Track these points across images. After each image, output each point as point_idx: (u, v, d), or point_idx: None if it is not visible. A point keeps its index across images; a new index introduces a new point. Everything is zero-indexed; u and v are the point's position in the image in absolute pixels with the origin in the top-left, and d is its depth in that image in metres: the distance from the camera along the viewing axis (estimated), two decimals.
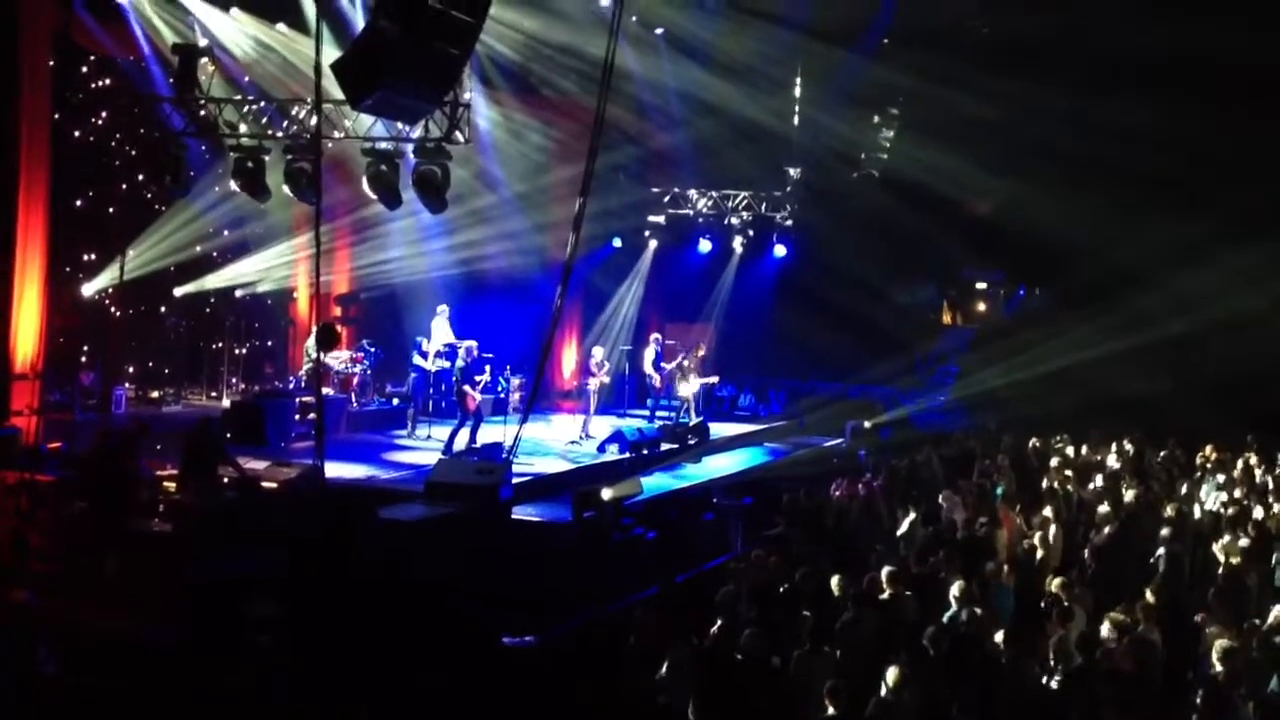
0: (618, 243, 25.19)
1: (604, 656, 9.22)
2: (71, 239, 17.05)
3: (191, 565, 10.89)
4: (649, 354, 21.49)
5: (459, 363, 17.42)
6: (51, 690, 7.32)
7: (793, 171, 25.93)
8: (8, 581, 9.31)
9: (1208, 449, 17.64)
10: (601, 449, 18.37)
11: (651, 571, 12.66)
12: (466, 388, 17.02)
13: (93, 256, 18.35)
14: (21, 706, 7.10)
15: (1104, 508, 13.42)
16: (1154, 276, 22.83)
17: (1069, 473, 16.17)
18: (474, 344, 17.78)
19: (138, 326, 19.75)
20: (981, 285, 31.85)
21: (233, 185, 17.36)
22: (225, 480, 12.73)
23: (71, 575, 10.96)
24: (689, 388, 21.01)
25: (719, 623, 9.04)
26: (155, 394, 19.49)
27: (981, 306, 32.18)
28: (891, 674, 7.69)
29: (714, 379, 22.18)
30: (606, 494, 14.03)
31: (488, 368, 18.60)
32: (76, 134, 17.75)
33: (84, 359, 18.45)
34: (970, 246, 27.27)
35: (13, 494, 11.90)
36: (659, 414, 21.82)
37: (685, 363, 21.35)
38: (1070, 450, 18.34)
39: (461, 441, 16.76)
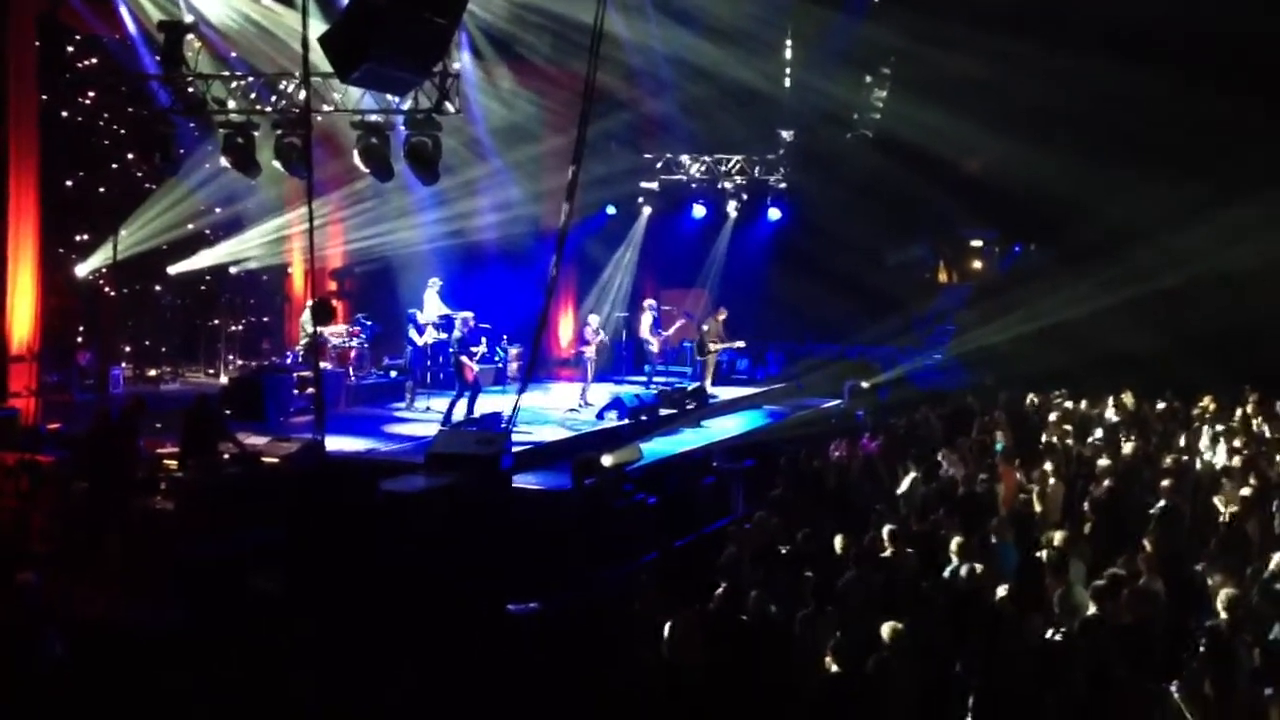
0: (611, 210, 25.15)
1: (608, 622, 9.26)
2: (63, 220, 17.00)
3: (193, 542, 10.91)
4: (646, 320, 21.50)
5: (455, 334, 17.42)
6: (57, 671, 7.34)
7: (785, 134, 25.84)
8: (11, 563, 9.31)
9: (1205, 400, 17.71)
10: (600, 416, 18.39)
11: (653, 537, 12.73)
12: (464, 359, 17.02)
13: (85, 237, 18.30)
14: (29, 688, 7.12)
15: (1103, 461, 13.48)
16: (1147, 233, 22.84)
17: (1068, 427, 16.23)
18: (470, 315, 17.77)
19: (133, 306, 19.73)
20: (976, 243, 31.82)
21: (223, 162, 17.29)
22: (226, 457, 12.74)
23: (74, 555, 11.00)
24: (710, 349, 21.15)
25: (722, 586, 9.08)
26: (153, 372, 19.51)
27: (977, 264, 32.17)
28: (885, 630, 7.73)
29: (740, 343, 22.21)
30: (606, 461, 14.05)
31: (484, 339, 18.59)
32: (64, 114, 17.65)
33: (80, 339, 18.43)
34: (964, 205, 27.21)
35: (13, 475, 11.91)
36: (656, 379, 21.84)
37: (706, 328, 21.46)
38: (1069, 405, 18.39)
39: (460, 412, 16.77)
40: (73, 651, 7.64)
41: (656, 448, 16.41)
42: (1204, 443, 15.33)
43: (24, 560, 9.92)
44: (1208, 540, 10.89)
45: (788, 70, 25.32)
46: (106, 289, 18.79)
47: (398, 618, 9.26)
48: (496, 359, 20.80)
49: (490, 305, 21.27)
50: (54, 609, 8.21)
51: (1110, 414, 17.71)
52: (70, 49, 17.69)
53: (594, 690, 7.85)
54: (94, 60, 18.18)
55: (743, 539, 10.84)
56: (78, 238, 18.22)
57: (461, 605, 9.65)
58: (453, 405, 16.90)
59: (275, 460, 13.20)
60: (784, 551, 10.51)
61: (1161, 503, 11.57)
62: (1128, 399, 18.35)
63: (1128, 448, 14.50)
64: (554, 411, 18.97)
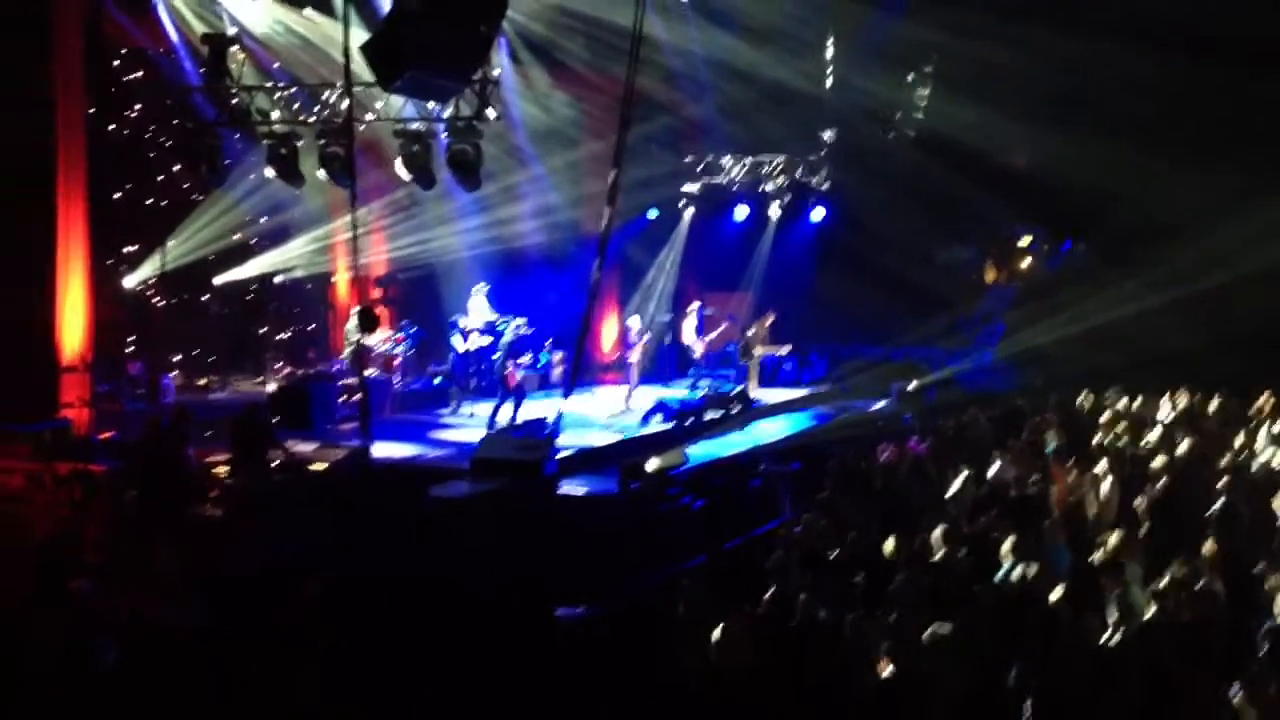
0: (653, 213, 25.11)
1: (655, 626, 9.20)
2: (112, 232, 17.16)
3: (243, 550, 10.97)
4: (689, 323, 21.45)
5: (505, 339, 17.40)
6: (110, 678, 7.38)
7: (827, 134, 25.71)
8: (65, 571, 9.39)
9: (1262, 398, 17.39)
10: (645, 420, 18.34)
11: (700, 540, 12.64)
12: (510, 364, 17.02)
13: (134, 248, 18.50)
14: (82, 696, 7.16)
15: (1158, 461, 13.26)
16: (1199, 228, 22.49)
17: (1121, 427, 16.00)
18: (522, 321, 17.78)
19: (181, 315, 19.90)
20: (1024, 242, 31.49)
21: (268, 172, 17.43)
22: (274, 464, 12.81)
23: (126, 564, 11.08)
24: (754, 354, 21.10)
25: (771, 589, 9.00)
26: (201, 381, 19.66)
27: (1025, 263, 31.83)
28: (935, 633, 7.63)
29: (786, 348, 22.13)
30: (652, 464, 14.01)
31: (529, 351, 18.62)
32: (111, 127, 17.85)
33: (130, 349, 18.62)
34: (1011, 202, 26.92)
35: (67, 485, 12.04)
36: (701, 383, 21.77)
37: (752, 331, 21.40)
38: (1121, 404, 18.14)
39: (504, 419, 16.78)
40: (125, 659, 7.68)
41: (702, 451, 16.34)
42: (1261, 442, 15.05)
43: (78, 569, 10.00)
44: (1267, 541, 10.67)
45: (828, 69, 25.18)
46: (155, 299, 18.98)
47: (444, 623, 9.25)
48: (540, 364, 20.80)
49: (533, 310, 21.26)
50: (107, 616, 8.26)
51: (1164, 413, 17.43)
52: (116, 63, 17.88)
53: (642, 694, 7.79)
54: (139, 73, 18.40)
55: (791, 542, 10.74)
56: (126, 249, 18.41)
57: (508, 611, 9.62)
58: (496, 411, 16.91)
59: (323, 467, 13.27)
60: (832, 555, 10.42)
61: (1220, 503, 11.36)
62: (1182, 398, 18.06)
63: (1183, 447, 14.26)
64: (598, 416, 18.95)
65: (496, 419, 16.79)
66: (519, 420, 16.69)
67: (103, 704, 7.12)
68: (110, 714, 7.08)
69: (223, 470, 12.94)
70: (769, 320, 21.70)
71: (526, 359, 17.91)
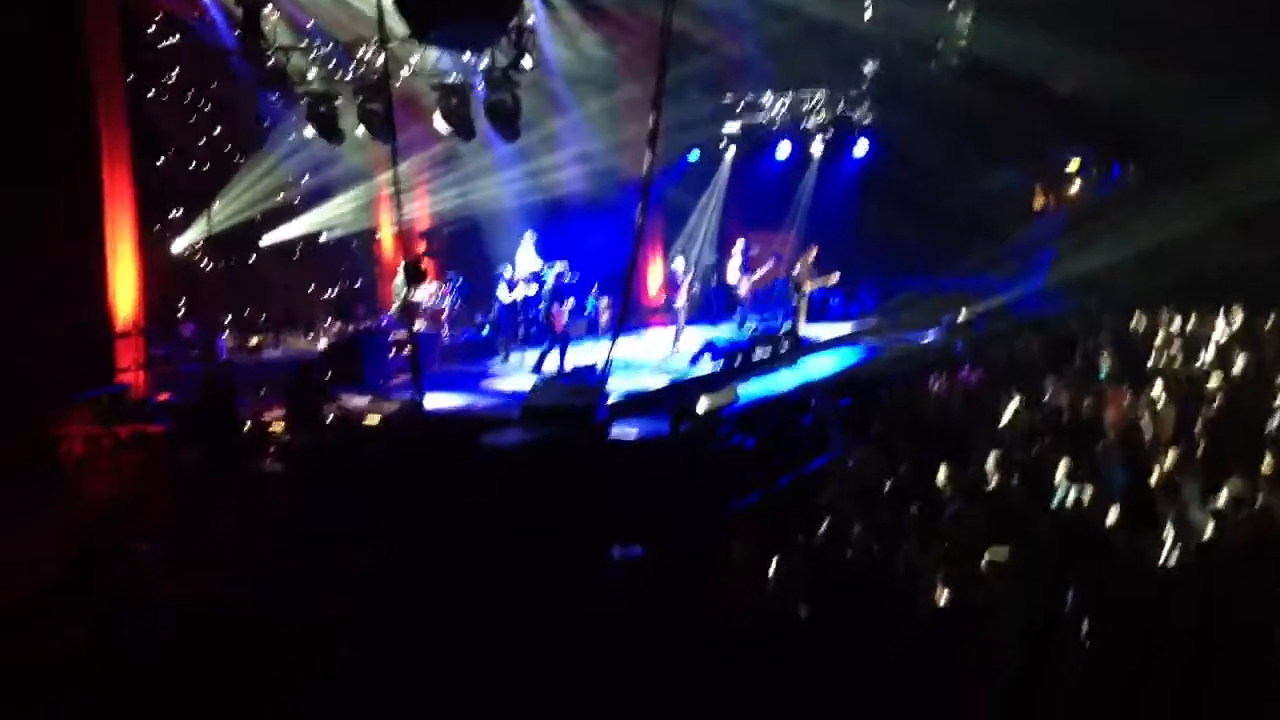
0: (694, 155, 24.96)
1: (711, 565, 9.25)
2: (157, 197, 17.31)
3: (303, 505, 11.12)
4: (734, 263, 21.36)
5: (548, 285, 17.44)
6: (167, 645, 7.53)
7: (868, 67, 25.34)
8: (128, 533, 9.58)
9: None
10: (694, 361, 18.33)
11: (752, 478, 12.66)
12: (555, 307, 17.08)
13: (180, 213, 18.65)
14: (140, 661, 7.31)
15: (1214, 380, 13.10)
16: (1252, 145, 22.04)
17: (1175, 347, 15.82)
18: (564, 265, 17.81)
19: (230, 277, 20.09)
20: (1073, 166, 31.02)
21: (307, 132, 17.47)
22: (329, 420, 12.95)
23: (188, 524, 11.27)
24: (804, 291, 21.04)
25: (825, 524, 9.01)
26: (254, 341, 19.86)
27: (1074, 188, 31.37)
28: (1010, 560, 7.62)
29: (834, 277, 22.04)
30: (702, 405, 14.02)
31: (573, 295, 18.64)
32: (150, 94, 17.94)
33: (182, 313, 18.83)
34: (1059, 127, 26.50)
35: (127, 448, 12.23)
36: (748, 322, 21.72)
37: (797, 268, 21.31)
38: (1176, 325, 17.92)
39: (551, 363, 16.85)
40: (186, 624, 7.82)
41: (752, 390, 16.33)
42: None
43: (141, 531, 10.20)
44: None
45: (867, 1, 24.81)
46: (203, 262, 19.16)
47: (501, 569, 9.34)
48: (587, 310, 20.83)
49: (577, 257, 21.25)
50: (164, 582, 8.41)
51: (1219, 332, 17.19)
52: (151, 29, 17.94)
53: (698, 633, 7.85)
54: (176, 38, 18.44)
55: (844, 476, 10.75)
56: (172, 215, 18.57)
57: (564, 555, 9.70)
58: (543, 356, 16.98)
59: (376, 420, 13.41)
60: (886, 487, 10.41)
61: (1276, 420, 11.22)
62: (1237, 316, 17.79)
63: (1239, 365, 14.07)
64: (647, 359, 18.95)
65: (544, 365, 16.86)
66: (565, 363, 16.75)
67: (162, 672, 7.26)
68: (167, 681, 7.23)
69: (278, 427, 13.10)
70: (812, 254, 21.55)
71: (570, 303, 17.92)
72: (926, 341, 21.85)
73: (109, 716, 6.65)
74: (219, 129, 19.13)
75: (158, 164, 17.97)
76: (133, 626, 7.50)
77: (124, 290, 14.97)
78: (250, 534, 11.02)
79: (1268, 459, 9.70)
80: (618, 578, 9.50)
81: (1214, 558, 7.70)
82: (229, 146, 19.25)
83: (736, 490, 12.13)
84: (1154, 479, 9.44)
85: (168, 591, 8.26)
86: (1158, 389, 12.86)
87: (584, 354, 17.40)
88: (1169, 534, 8.34)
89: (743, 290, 21.44)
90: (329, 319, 21.20)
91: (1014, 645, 7.27)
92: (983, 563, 7.66)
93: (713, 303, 23.07)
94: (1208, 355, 15.18)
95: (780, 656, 7.47)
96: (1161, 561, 8.15)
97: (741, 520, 9.44)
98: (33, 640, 7.70)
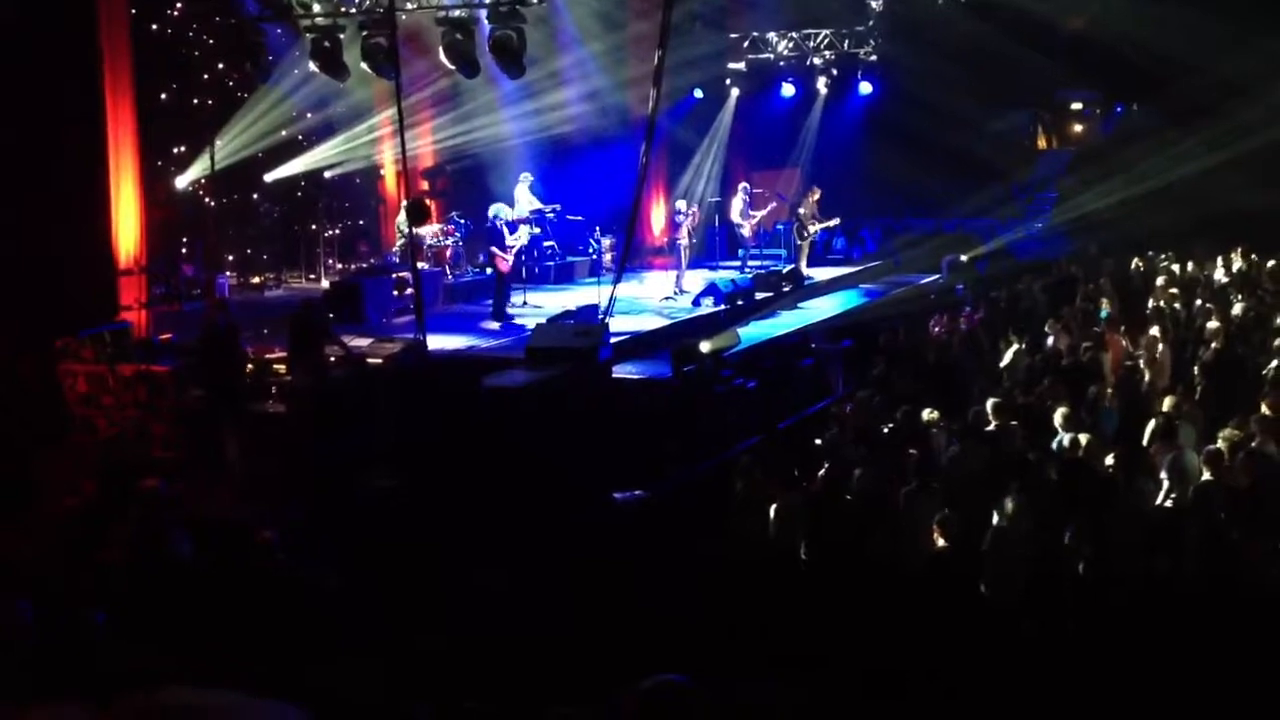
0: (699, 94, 24.79)
1: (713, 507, 9.35)
2: (160, 133, 17.21)
3: (307, 443, 11.21)
4: (737, 203, 21.32)
5: (504, 227, 17.30)
6: (186, 573, 7.63)
7: (874, 4, 25.14)
8: (136, 470, 9.66)
9: None
10: (696, 302, 18.36)
11: (754, 420, 12.76)
12: (494, 249, 16.96)
13: (182, 149, 18.56)
14: (160, 589, 7.41)
15: (1212, 323, 13.15)
16: (1254, 86, 21.93)
17: (1175, 291, 15.85)
18: (501, 207, 17.78)
19: (232, 215, 20.03)
20: (1077, 106, 30.85)
21: (311, 66, 17.36)
22: (332, 359, 13.00)
23: (194, 460, 11.38)
24: (809, 232, 21.05)
25: (826, 465, 9.10)
26: (256, 280, 19.86)
27: (1077, 128, 31.22)
28: (1010, 504, 7.72)
29: (835, 221, 22.02)
30: (705, 347, 14.08)
31: (523, 228, 18.51)
32: (154, 28, 17.80)
33: (184, 250, 18.81)
34: (1064, 67, 26.38)
35: (131, 386, 12.28)
36: (751, 263, 21.72)
37: (803, 210, 21.29)
38: (1175, 268, 17.94)
39: (502, 307, 16.77)
40: (200, 553, 7.92)
41: (754, 332, 16.39)
42: None
43: (148, 467, 10.29)
44: None
45: None
46: (206, 199, 19.10)
47: (505, 509, 9.44)
48: (590, 250, 20.82)
49: (581, 197, 21.24)
50: (180, 511, 8.50)
51: (1219, 275, 17.22)
52: None
53: (700, 574, 7.96)
54: None
55: (844, 419, 10.83)
56: (175, 150, 18.48)
57: (567, 496, 9.81)
58: (501, 302, 16.87)
59: (379, 361, 13.46)
60: (886, 429, 10.50)
61: (1274, 363, 11.28)
62: (1236, 259, 17.81)
63: (1237, 309, 14.11)
64: (650, 300, 18.98)
65: (504, 309, 16.74)
66: (509, 308, 16.66)
67: (180, 595, 7.37)
68: (189, 605, 7.33)
69: (282, 367, 13.15)
70: (815, 195, 21.52)
71: (519, 241, 17.73)
72: (928, 283, 21.89)
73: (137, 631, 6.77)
74: (222, 64, 18.98)
75: (161, 98, 17.86)
76: (153, 548, 7.59)
77: (126, 227, 14.93)
78: (257, 466, 11.13)
79: (1265, 403, 9.78)
80: (620, 520, 9.61)
81: (1209, 501, 7.78)
82: (232, 81, 19.10)
83: (738, 432, 12.23)
84: (1151, 423, 9.52)
85: (182, 517, 8.35)
86: (1156, 332, 12.91)
87: (587, 295, 17.42)
88: (1165, 478, 8.44)
89: (746, 230, 21.41)
90: (331, 258, 21.19)
91: (1009, 586, 7.39)
92: (990, 508, 7.76)
93: (716, 243, 23.05)
94: (1207, 299, 15.21)
95: (780, 596, 7.59)
96: (1158, 504, 8.25)
97: (743, 462, 9.50)
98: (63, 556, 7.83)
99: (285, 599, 7.31)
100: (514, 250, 17.23)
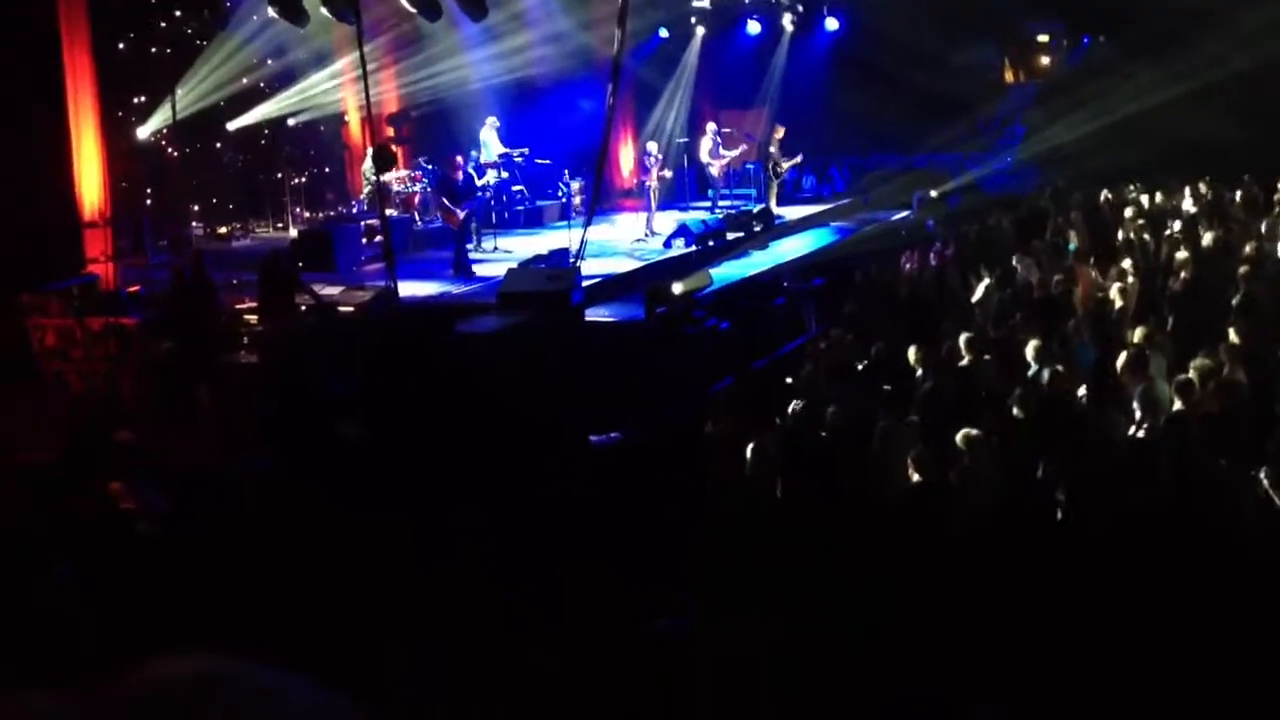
0: (664, 33, 24.59)
1: (688, 448, 9.39)
2: (119, 84, 16.94)
3: (279, 393, 11.17)
4: (705, 144, 21.21)
5: (457, 174, 16.99)
6: (164, 522, 7.62)
7: None
8: (107, 424, 9.61)
9: None
10: (667, 244, 18.33)
11: (728, 361, 12.79)
12: (445, 201, 16.65)
13: (143, 99, 18.30)
14: (138, 544, 7.40)
15: (1181, 254, 13.23)
16: (1221, 14, 21.94)
17: (1143, 222, 15.92)
18: (460, 158, 17.51)
19: (196, 164, 19.80)
20: (1043, 38, 30.76)
21: (270, 12, 17.10)
22: (303, 309, 12.93)
23: (166, 412, 11.31)
24: (780, 170, 21.02)
25: (800, 403, 9.13)
26: (223, 230, 19.67)
27: (1044, 61, 31.15)
28: (960, 437, 7.76)
29: (798, 159, 21.95)
30: (677, 288, 14.09)
31: (491, 172, 18.30)
32: None
33: (149, 202, 18.59)
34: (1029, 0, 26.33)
35: (100, 339, 12.19)
36: (721, 203, 21.66)
37: (773, 149, 21.23)
38: (1144, 199, 18.00)
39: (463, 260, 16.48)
40: (177, 505, 7.91)
41: (726, 272, 16.39)
42: None
43: (120, 420, 10.23)
44: None
45: None
46: (169, 150, 18.86)
47: (480, 454, 9.45)
48: (560, 194, 20.71)
49: (548, 140, 21.07)
50: (153, 463, 8.47)
51: (1187, 205, 17.29)
52: None
53: (677, 515, 7.99)
54: None
55: (818, 356, 10.87)
56: (135, 100, 18.22)
57: (543, 440, 9.82)
58: (461, 258, 16.48)
59: (351, 309, 13.40)
60: (860, 366, 10.54)
61: (1241, 292, 11.37)
62: (1204, 189, 17.88)
63: (1206, 239, 14.19)
64: (621, 243, 18.93)
65: (463, 263, 16.42)
66: (466, 262, 16.38)
67: (159, 552, 7.37)
68: (168, 557, 7.33)
69: (252, 317, 13.07)
70: (779, 134, 21.44)
71: (489, 181, 17.41)
72: (899, 219, 21.91)
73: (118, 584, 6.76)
74: (179, 11, 18.66)
75: (119, 48, 17.57)
76: (129, 499, 7.57)
77: (89, 179, 14.74)
78: (229, 415, 11.09)
79: (1232, 330, 9.86)
80: (597, 462, 9.63)
81: (1181, 430, 7.86)
82: (191, 29, 18.80)
83: (712, 373, 12.25)
84: (1122, 354, 9.58)
85: (157, 468, 8.33)
86: (1126, 264, 12.98)
87: (558, 239, 17.34)
88: (1137, 408, 8.50)
89: (715, 171, 21.34)
90: (298, 207, 20.99)
91: (983, 519, 7.46)
92: (957, 439, 7.81)
93: (685, 184, 22.97)
94: (1175, 229, 15.28)
95: (756, 535, 7.64)
96: (1130, 435, 8.32)
97: (718, 402, 9.54)
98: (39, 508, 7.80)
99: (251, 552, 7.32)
100: (468, 200, 16.80)
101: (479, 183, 18.40)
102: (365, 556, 7.35)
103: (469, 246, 17.95)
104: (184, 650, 1.23)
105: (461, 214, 16.49)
